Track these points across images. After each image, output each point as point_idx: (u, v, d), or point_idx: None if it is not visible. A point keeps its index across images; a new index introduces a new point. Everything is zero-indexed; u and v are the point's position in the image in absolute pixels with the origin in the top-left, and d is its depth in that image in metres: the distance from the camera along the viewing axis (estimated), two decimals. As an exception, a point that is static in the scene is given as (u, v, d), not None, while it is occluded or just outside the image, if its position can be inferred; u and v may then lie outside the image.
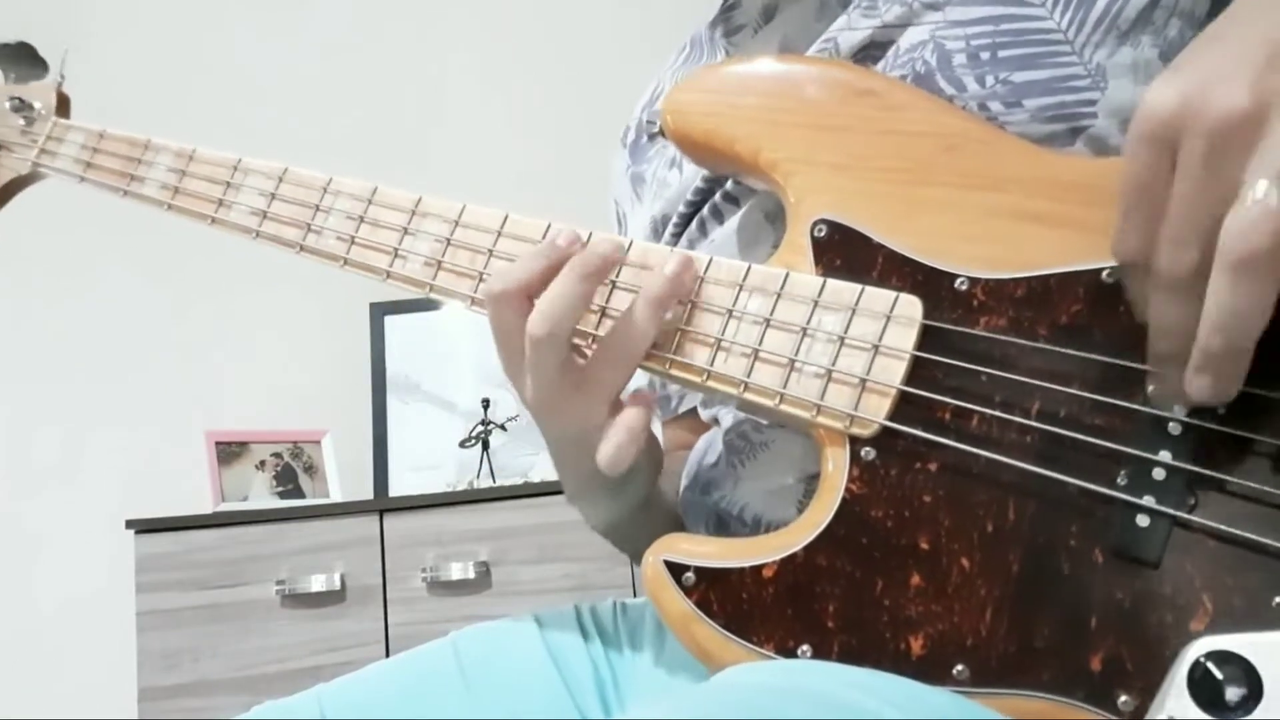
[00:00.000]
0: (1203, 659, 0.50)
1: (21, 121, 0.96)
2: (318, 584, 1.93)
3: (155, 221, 2.46)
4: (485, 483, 2.20)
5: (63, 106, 0.97)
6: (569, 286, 0.66)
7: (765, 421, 0.76)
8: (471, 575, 1.93)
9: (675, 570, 0.64)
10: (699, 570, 0.63)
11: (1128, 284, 0.56)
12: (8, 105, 0.96)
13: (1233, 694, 0.49)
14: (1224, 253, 0.49)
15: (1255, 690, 0.49)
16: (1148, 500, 0.56)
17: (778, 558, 0.62)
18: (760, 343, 0.66)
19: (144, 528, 1.96)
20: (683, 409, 0.96)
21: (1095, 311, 0.59)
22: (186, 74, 2.49)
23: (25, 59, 0.97)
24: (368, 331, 2.40)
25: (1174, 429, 0.56)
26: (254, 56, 2.59)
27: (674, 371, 0.68)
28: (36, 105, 0.96)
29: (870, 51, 0.74)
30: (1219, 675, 0.50)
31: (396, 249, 0.79)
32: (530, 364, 0.68)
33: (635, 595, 1.09)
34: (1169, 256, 0.52)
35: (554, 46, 2.65)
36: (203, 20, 2.61)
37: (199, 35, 2.59)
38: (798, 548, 0.62)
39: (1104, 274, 0.59)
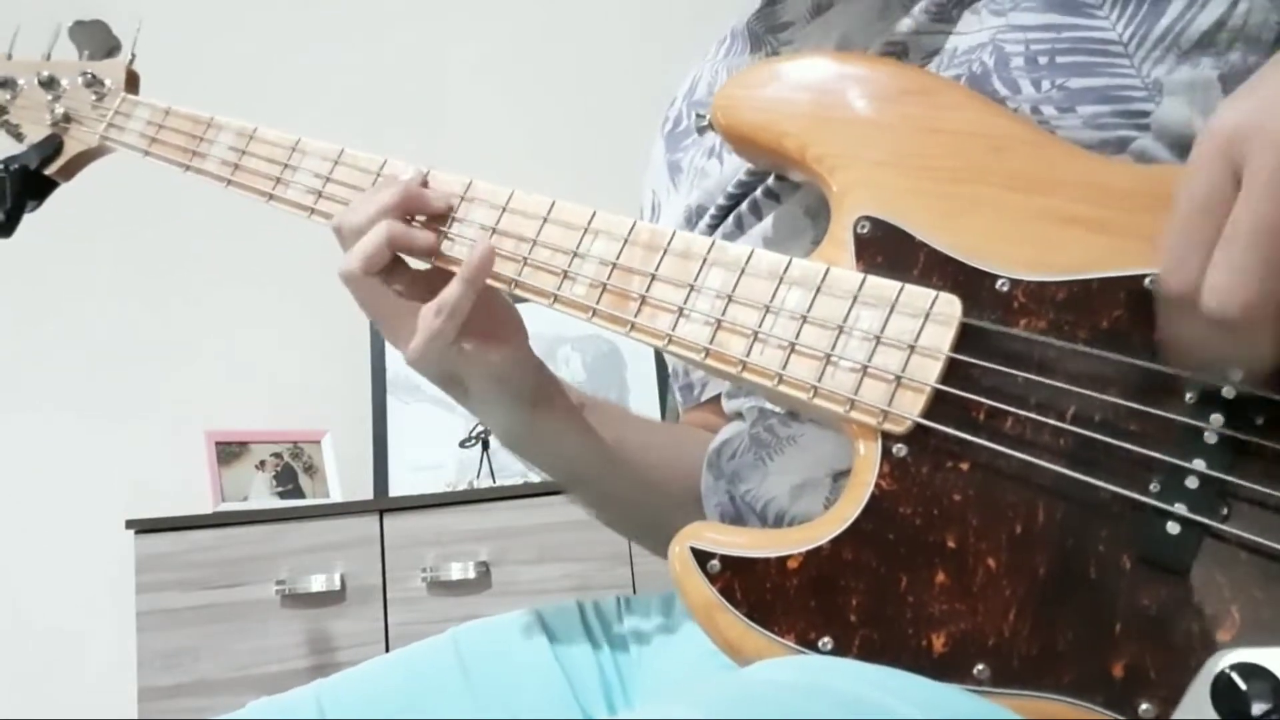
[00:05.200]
0: (1228, 670, 0.49)
1: (93, 96, 0.99)
2: (318, 584, 1.93)
3: (156, 220, 2.47)
4: (485, 483, 2.20)
5: (132, 83, 1.00)
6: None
7: (793, 416, 0.76)
8: (471, 575, 1.93)
9: (701, 558, 0.64)
10: (724, 559, 0.63)
11: (1169, 316, 0.55)
12: (80, 80, 0.99)
13: (1257, 708, 0.48)
14: None
15: (1280, 705, 0.49)
16: (1180, 508, 0.55)
17: (803, 550, 0.62)
18: (797, 336, 0.66)
19: (144, 528, 1.97)
20: (705, 396, 0.97)
21: (1136, 317, 0.59)
22: (187, 63, 2.48)
23: (100, 36, 1.00)
24: (368, 331, 2.40)
25: (1209, 438, 0.56)
26: (259, 44, 2.61)
27: (710, 362, 0.69)
28: (107, 81, 0.99)
29: (934, 56, 0.76)
30: (1244, 688, 0.49)
31: (444, 232, 0.81)
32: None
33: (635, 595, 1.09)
34: (1221, 285, 0.50)
35: (555, 36, 2.68)
36: (206, 7, 2.61)
37: (202, 23, 2.59)
38: (824, 540, 0.62)
39: (1146, 280, 0.59)
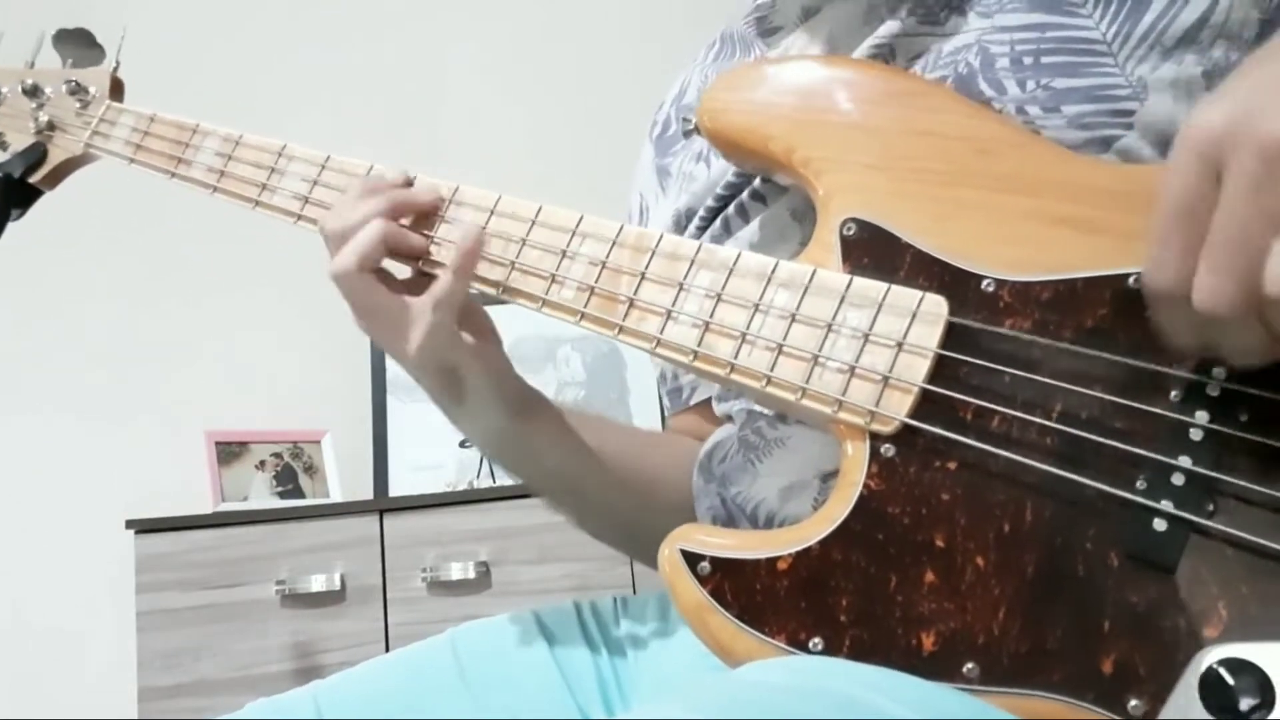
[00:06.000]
0: (1216, 666, 0.50)
1: (77, 104, 0.99)
2: (318, 584, 1.93)
3: (155, 221, 2.47)
4: (485, 483, 2.20)
5: (116, 90, 1.00)
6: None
7: (781, 418, 0.76)
8: (471, 575, 1.93)
9: (691, 559, 0.64)
10: (714, 560, 0.63)
11: (1158, 312, 0.55)
12: (64, 88, 0.99)
13: (1245, 703, 0.49)
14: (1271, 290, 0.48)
15: (1268, 700, 0.49)
16: (1166, 505, 0.56)
17: (793, 550, 0.62)
18: (785, 338, 0.66)
19: (144, 528, 1.97)
20: (694, 400, 0.97)
21: (1120, 316, 0.59)
22: (185, 65, 2.49)
23: (83, 44, 1.00)
24: (368, 331, 2.39)
25: (1195, 435, 0.56)
26: (258, 45, 2.61)
27: (698, 364, 0.69)
28: (92, 89, 0.99)
29: (920, 58, 0.76)
30: (1232, 683, 0.49)
31: (431, 237, 0.81)
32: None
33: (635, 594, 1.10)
34: (1209, 285, 0.50)
35: (555, 36, 2.68)
36: (206, 8, 2.61)
37: (201, 24, 2.59)
38: (813, 541, 0.62)
39: (1130, 279, 0.59)
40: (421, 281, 0.80)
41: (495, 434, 0.87)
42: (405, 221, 0.81)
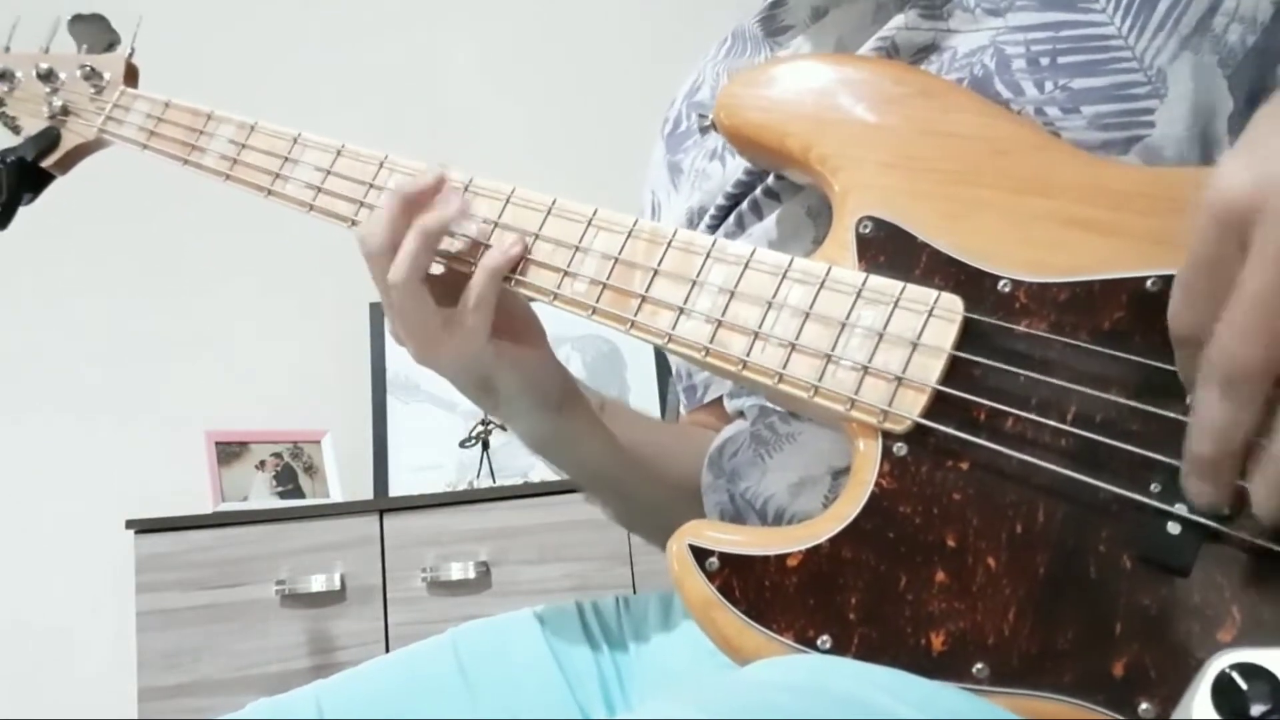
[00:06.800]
0: (1229, 670, 0.49)
1: (91, 90, 0.98)
2: (318, 584, 1.93)
3: (155, 220, 2.46)
4: (485, 483, 2.20)
5: (131, 76, 1.00)
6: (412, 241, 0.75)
7: (793, 414, 0.76)
8: (471, 575, 1.93)
9: (699, 555, 0.63)
10: (723, 556, 0.63)
11: (1179, 360, 0.55)
12: (79, 73, 0.98)
13: (1257, 709, 0.48)
14: None
15: (1280, 706, 0.49)
16: (1180, 509, 0.55)
17: (803, 548, 0.62)
18: (798, 336, 0.66)
19: (144, 528, 1.97)
20: (709, 398, 0.97)
21: (1137, 319, 0.59)
22: (184, 65, 2.48)
23: (99, 30, 1.00)
24: (368, 331, 2.40)
25: (1209, 438, 0.55)
26: (259, 44, 2.61)
27: (710, 360, 0.69)
28: (106, 75, 0.98)
29: (926, 54, 0.76)
30: (1244, 687, 0.49)
31: (451, 231, 0.79)
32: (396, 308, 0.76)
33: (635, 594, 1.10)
34: (1229, 350, 0.49)
35: (555, 36, 2.69)
36: (206, 8, 2.61)
37: (201, 24, 2.58)
38: (823, 539, 0.62)
39: (1148, 282, 0.59)
40: (449, 280, 0.78)
41: (537, 434, 0.87)
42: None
